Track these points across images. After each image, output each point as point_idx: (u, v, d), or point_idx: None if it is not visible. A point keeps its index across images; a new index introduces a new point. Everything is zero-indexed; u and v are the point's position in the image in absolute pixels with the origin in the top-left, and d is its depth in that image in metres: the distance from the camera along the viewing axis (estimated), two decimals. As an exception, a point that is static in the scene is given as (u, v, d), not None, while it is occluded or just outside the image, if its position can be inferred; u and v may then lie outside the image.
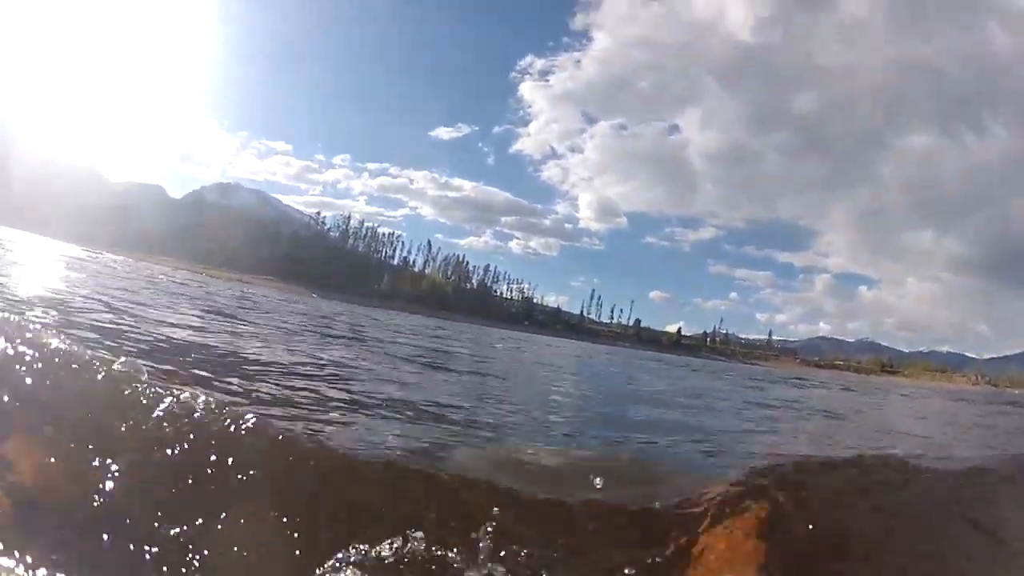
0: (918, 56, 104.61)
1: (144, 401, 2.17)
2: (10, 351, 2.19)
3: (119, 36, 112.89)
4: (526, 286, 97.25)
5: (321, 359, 6.52)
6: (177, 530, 1.86)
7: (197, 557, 1.83)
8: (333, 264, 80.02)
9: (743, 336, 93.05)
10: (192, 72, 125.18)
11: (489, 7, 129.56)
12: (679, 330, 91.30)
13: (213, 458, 2.03)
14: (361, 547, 1.85)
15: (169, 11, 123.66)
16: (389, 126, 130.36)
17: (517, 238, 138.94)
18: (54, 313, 5.32)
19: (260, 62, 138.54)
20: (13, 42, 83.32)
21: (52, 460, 1.97)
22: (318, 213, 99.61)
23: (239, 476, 2.00)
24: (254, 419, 2.18)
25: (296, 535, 1.91)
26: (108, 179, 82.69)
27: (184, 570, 1.79)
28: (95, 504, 1.90)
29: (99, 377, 2.24)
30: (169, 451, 2.03)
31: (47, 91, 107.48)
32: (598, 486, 2.35)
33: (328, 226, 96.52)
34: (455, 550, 1.89)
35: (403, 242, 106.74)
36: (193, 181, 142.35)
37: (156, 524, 1.87)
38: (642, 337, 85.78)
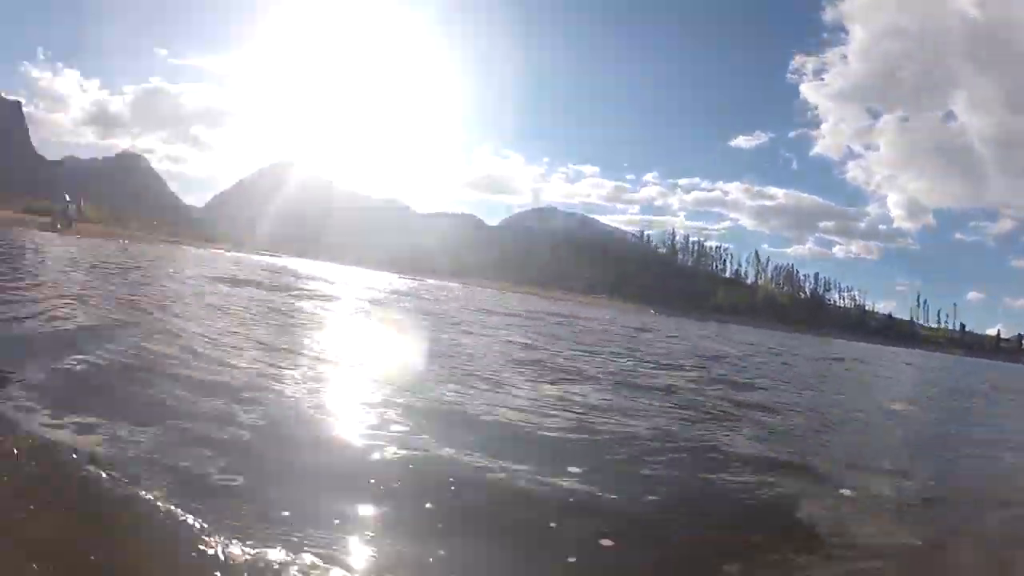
0: None
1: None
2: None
3: (423, 82, 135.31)
4: (856, 293, 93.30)
5: None
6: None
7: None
8: (664, 280, 79.55)
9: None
10: (486, 104, 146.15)
11: (746, 9, 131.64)
12: (999, 333, 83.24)
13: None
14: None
15: (458, 56, 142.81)
16: (688, 140, 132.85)
17: (839, 243, 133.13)
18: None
19: (557, 94, 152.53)
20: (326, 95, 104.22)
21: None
22: (641, 232, 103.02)
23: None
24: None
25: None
26: (416, 211, 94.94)
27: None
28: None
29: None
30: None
31: (365, 137, 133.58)
32: None
33: (654, 243, 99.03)
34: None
35: (731, 254, 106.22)
36: (503, 209, 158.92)
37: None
38: (966, 342, 79.14)
